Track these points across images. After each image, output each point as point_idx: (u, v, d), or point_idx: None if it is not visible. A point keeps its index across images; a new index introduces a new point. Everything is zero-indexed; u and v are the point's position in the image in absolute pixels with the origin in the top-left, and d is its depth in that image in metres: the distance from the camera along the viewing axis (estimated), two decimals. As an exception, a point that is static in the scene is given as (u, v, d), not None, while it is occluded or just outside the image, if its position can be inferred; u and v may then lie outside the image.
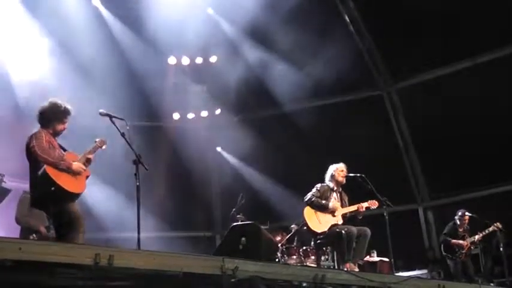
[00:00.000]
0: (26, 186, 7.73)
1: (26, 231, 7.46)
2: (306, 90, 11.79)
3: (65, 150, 6.01)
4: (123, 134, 6.12)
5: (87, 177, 5.96)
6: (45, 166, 5.58)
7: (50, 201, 5.63)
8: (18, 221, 7.54)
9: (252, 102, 12.57)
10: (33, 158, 5.67)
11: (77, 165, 5.79)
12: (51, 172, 5.57)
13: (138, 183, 5.84)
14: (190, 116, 13.13)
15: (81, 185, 5.83)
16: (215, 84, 12.72)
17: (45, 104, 5.94)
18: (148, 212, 7.49)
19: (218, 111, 13.21)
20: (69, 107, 5.98)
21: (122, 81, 10.96)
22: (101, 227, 10.62)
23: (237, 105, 12.84)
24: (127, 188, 9.15)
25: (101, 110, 6.16)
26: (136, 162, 5.93)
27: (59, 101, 5.96)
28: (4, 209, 8.15)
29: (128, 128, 6.18)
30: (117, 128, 6.12)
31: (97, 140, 6.17)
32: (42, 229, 7.54)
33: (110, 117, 6.14)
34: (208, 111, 13.19)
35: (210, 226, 13.17)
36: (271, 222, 10.09)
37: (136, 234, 5.62)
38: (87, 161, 5.99)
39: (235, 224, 7.92)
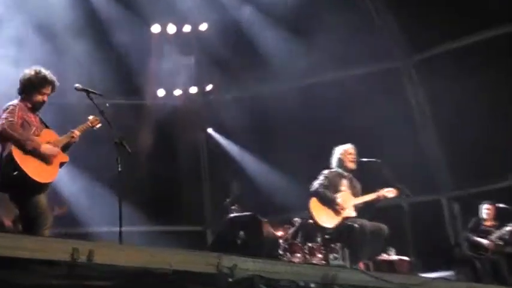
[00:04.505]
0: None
1: None
2: (311, 63, 11.72)
3: (47, 127, 6.02)
4: (102, 112, 6.15)
5: (62, 164, 5.95)
6: (12, 145, 5.57)
7: (12, 187, 5.65)
8: None
9: (248, 76, 12.47)
10: (1, 134, 5.66)
11: (46, 147, 5.77)
12: (17, 154, 5.56)
13: (119, 169, 5.85)
14: (177, 92, 13.11)
15: (52, 173, 5.82)
16: (205, 56, 12.63)
17: (25, 71, 5.95)
18: (129, 202, 7.49)
19: (209, 87, 13.20)
20: (52, 77, 5.97)
21: (98, 54, 10.93)
22: (76, 220, 10.62)
23: (231, 81, 12.80)
24: (106, 176, 9.20)
25: (76, 85, 6.20)
26: (118, 144, 5.94)
27: (42, 69, 5.96)
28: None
29: (107, 105, 6.22)
30: (95, 104, 6.16)
31: (90, 117, 6.20)
32: (6, 221, 7.62)
33: (87, 92, 6.19)
34: (198, 87, 13.17)
35: (200, 219, 13.19)
36: (272, 215, 10.05)
37: (117, 228, 5.67)
38: (68, 143, 5.99)
39: (232, 215, 7.93)
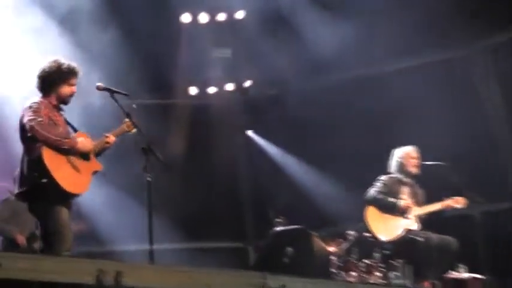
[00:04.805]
0: (8, 185, 7.93)
1: (8, 241, 7.69)
2: (364, 53, 11.61)
3: (75, 130, 6.10)
4: (128, 114, 6.19)
5: (94, 172, 6.04)
6: (42, 149, 5.61)
7: (36, 196, 5.70)
8: None
9: (292, 70, 12.41)
10: (27, 136, 5.72)
11: (83, 144, 5.88)
12: (48, 158, 5.61)
13: (149, 178, 5.88)
14: (212, 90, 13.14)
15: (84, 183, 5.90)
16: (243, 48, 12.64)
17: (44, 65, 6.02)
18: (160, 216, 7.55)
19: (248, 84, 13.18)
20: (75, 65, 6.08)
21: (122, 48, 10.93)
22: (101, 238, 10.72)
23: (273, 75, 12.62)
24: (134, 186, 9.26)
25: (98, 84, 6.27)
26: (146, 150, 5.97)
27: (61, 59, 6.06)
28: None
29: (134, 107, 6.29)
30: (120, 106, 6.19)
31: (126, 120, 6.25)
32: (19, 237, 7.80)
33: (111, 92, 6.22)
34: (235, 84, 13.17)
35: (241, 234, 13.21)
36: (322, 228, 10.07)
37: (147, 246, 5.74)
38: (101, 150, 6.10)
39: (278, 229, 7.92)
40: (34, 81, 6.06)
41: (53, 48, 9.44)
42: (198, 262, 10.42)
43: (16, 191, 5.89)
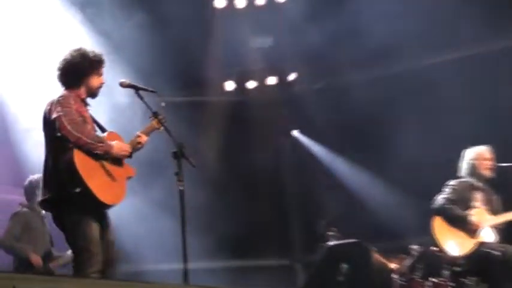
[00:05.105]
0: (18, 198, 8.02)
1: (20, 259, 7.85)
2: (426, 41, 11.62)
3: (103, 129, 6.12)
4: (155, 114, 6.21)
5: (128, 178, 6.06)
6: (73, 152, 5.59)
7: (65, 206, 5.68)
8: (3, 243, 8.02)
9: (342, 60, 12.33)
10: (55, 136, 5.68)
11: (120, 146, 5.89)
12: (81, 163, 5.57)
13: (181, 187, 5.88)
14: (251, 84, 13.21)
15: (120, 191, 5.91)
16: (286, 36, 12.60)
17: (66, 56, 6.04)
18: (196, 231, 7.55)
19: (292, 77, 13.19)
20: (102, 53, 6.14)
21: (150, 38, 11.03)
22: (128, 256, 10.75)
23: (321, 67, 12.69)
24: (162, 196, 9.28)
25: (121, 80, 6.27)
26: (178, 155, 5.97)
27: (85, 47, 6.10)
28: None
29: (163, 105, 6.30)
30: (146, 104, 6.19)
31: (156, 115, 6.24)
32: (34, 257, 7.88)
33: (136, 89, 6.22)
34: (278, 77, 13.19)
35: (287, 250, 13.20)
36: (382, 242, 10.07)
37: (181, 265, 5.69)
38: (133, 150, 6.09)
39: (331, 244, 7.90)
40: (55, 74, 6.07)
41: (71, 39, 9.58)
42: (239, 283, 10.45)
43: (40, 197, 5.88)
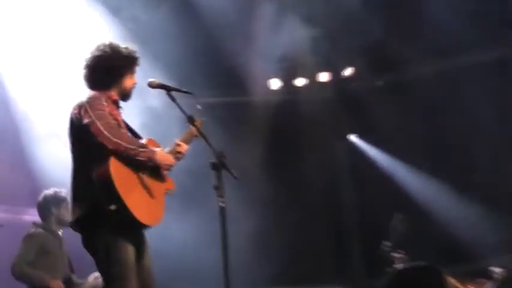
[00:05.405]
0: (31, 217, 7.98)
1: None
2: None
3: (138, 137, 6.07)
4: (190, 119, 6.09)
5: (166, 192, 6.05)
6: (109, 162, 5.51)
7: (98, 227, 5.60)
8: (13, 270, 7.88)
9: (406, 53, 12.17)
10: (87, 143, 5.59)
11: (162, 155, 5.81)
12: (118, 176, 5.48)
13: (222, 204, 5.75)
14: (300, 82, 13.19)
15: (159, 210, 5.88)
16: (339, 25, 12.40)
17: (95, 52, 6.00)
18: (240, 253, 7.47)
19: (348, 72, 13.16)
20: (135, 48, 6.12)
21: (182, 30, 10.99)
22: (162, 285, 10.76)
23: (381, 60, 12.62)
24: (203, 212, 9.25)
25: (151, 79, 6.18)
26: (218, 166, 5.83)
27: (116, 42, 6.08)
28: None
29: (199, 108, 6.20)
30: (180, 108, 6.08)
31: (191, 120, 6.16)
32: (55, 284, 7.84)
33: (168, 90, 6.14)
34: (331, 73, 13.17)
35: (345, 274, 13.09)
36: (456, 264, 10.00)
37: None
38: (175, 160, 6.04)
39: (398, 267, 7.96)
40: (81, 73, 6.01)
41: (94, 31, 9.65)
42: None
43: (70, 217, 5.77)
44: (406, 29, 11.73)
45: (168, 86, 6.14)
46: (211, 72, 11.60)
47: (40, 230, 8.11)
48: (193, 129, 6.13)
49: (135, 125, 6.27)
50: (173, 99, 6.08)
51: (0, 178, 9.60)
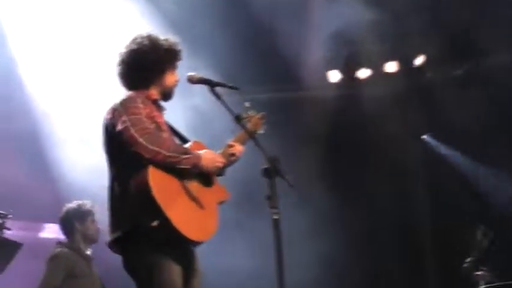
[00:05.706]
0: (53, 235, 7.96)
1: None
2: None
3: (184, 140, 6.10)
4: (238, 118, 6.08)
5: (220, 203, 6.03)
6: (148, 172, 5.49)
7: (140, 247, 5.59)
8: None
9: (491, 36, 11.96)
10: (122, 153, 5.60)
11: (210, 157, 5.81)
12: (159, 187, 5.47)
13: (276, 216, 5.66)
14: (363, 73, 13.16)
15: (209, 222, 5.88)
16: (407, 7, 12.26)
17: (131, 45, 6.01)
18: (297, 272, 7.38)
19: (420, 61, 13.06)
20: (177, 41, 6.15)
21: (226, 18, 11.10)
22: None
23: (460, 47, 12.49)
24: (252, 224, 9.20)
25: (190, 74, 6.17)
26: (271, 172, 5.77)
27: (155, 34, 6.09)
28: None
29: (247, 105, 6.33)
30: (224, 105, 6.05)
31: (248, 115, 6.28)
32: None
33: (211, 85, 6.12)
34: (400, 62, 13.12)
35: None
36: None
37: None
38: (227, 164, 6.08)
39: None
40: (115, 70, 6.04)
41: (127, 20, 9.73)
42: None
43: (110, 237, 5.74)
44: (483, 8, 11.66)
45: (212, 81, 6.12)
46: (261, 64, 11.61)
47: (66, 250, 8.10)
48: (250, 125, 6.28)
49: (180, 127, 6.28)
50: (217, 95, 6.07)
51: (18, 188, 9.61)
